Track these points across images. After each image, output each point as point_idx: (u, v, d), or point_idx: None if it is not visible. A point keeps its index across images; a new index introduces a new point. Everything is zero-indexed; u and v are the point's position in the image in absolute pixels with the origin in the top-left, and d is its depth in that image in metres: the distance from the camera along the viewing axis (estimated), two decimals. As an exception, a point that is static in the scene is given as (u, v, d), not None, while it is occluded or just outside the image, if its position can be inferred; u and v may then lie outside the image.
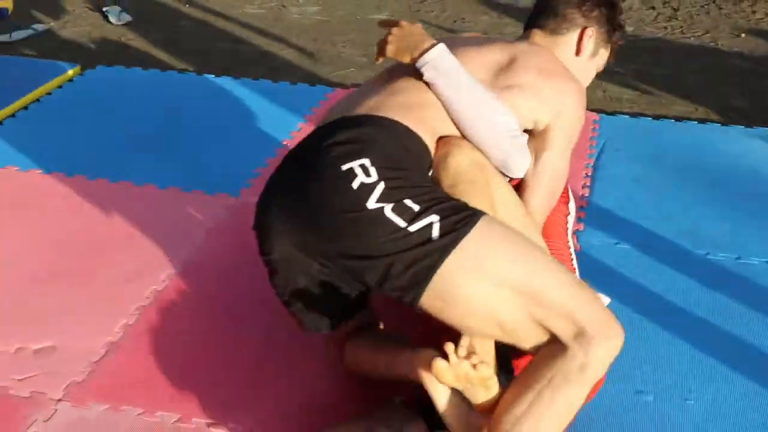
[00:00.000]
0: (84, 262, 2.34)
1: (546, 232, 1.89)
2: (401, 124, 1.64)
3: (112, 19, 4.10)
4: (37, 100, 3.24)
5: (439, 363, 1.42)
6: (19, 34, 3.92)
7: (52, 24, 4.09)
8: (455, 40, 1.97)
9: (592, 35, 1.96)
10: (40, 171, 2.76)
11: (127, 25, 4.08)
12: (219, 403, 1.87)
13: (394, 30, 1.78)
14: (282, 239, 1.64)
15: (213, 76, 3.48)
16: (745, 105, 3.28)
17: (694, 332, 2.07)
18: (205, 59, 3.73)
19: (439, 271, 1.46)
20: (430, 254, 1.46)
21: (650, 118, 3.17)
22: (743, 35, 3.94)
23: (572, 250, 2.00)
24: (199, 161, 2.85)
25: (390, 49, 1.77)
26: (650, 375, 1.94)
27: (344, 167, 1.52)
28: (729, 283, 2.24)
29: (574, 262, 1.98)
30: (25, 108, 3.18)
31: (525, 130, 1.82)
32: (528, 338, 1.50)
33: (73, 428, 1.81)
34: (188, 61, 3.68)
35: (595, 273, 2.08)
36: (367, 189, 1.49)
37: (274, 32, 4.04)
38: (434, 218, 1.48)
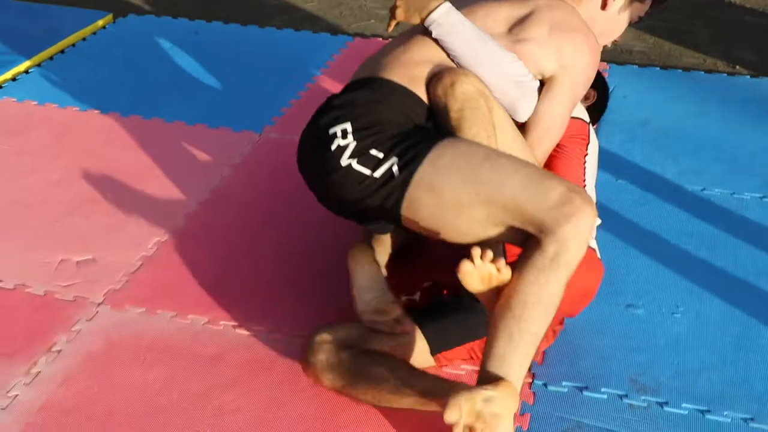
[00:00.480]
0: (120, 189, 2.52)
1: (561, 170, 2.00)
2: (395, 83, 1.81)
3: (142, -29, 4.25)
4: (73, 45, 3.41)
5: (465, 265, 1.57)
6: (54, -15, 4.08)
7: (85, -25, 4.25)
8: None
9: None
10: (78, 108, 2.94)
11: (157, -23, 4.23)
12: (243, 309, 2.05)
13: None
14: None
15: (239, 25, 3.64)
16: (753, 58, 3.39)
17: (685, 257, 2.23)
18: (232, 10, 3.88)
19: (404, 203, 1.68)
20: (394, 190, 1.68)
21: (658, 68, 3.29)
22: (756, -8, 4.03)
23: (588, 184, 2.06)
24: (225, 101, 3.01)
25: (399, 13, 1.92)
26: (641, 291, 2.10)
27: (330, 131, 1.75)
28: (722, 215, 2.39)
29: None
30: (62, 52, 3.35)
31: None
32: (507, 238, 1.64)
33: (113, 327, 2.00)
34: (215, 13, 3.83)
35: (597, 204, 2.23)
36: (341, 150, 1.72)
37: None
38: (394, 160, 1.68)
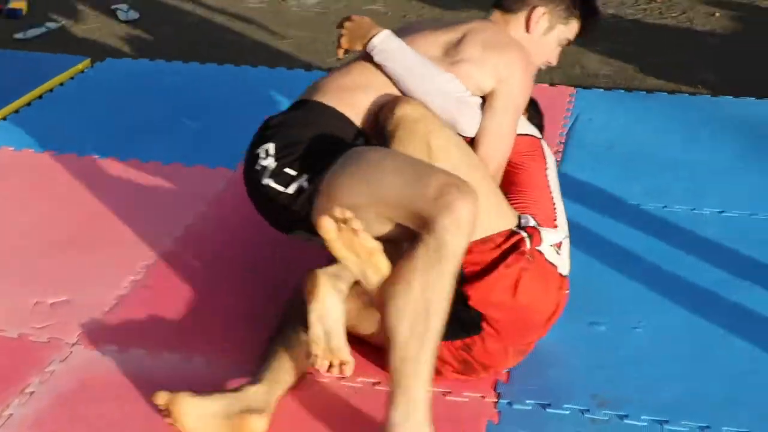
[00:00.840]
0: (95, 230, 2.56)
1: (526, 186, 2.05)
2: (328, 106, 1.93)
3: (120, 16, 4.35)
4: (51, 90, 3.48)
5: (325, 221, 1.62)
6: (33, 32, 4.17)
7: (64, 22, 4.34)
8: (414, 25, 2.23)
9: (544, 13, 2.12)
10: (54, 152, 3.00)
11: (134, 22, 4.32)
12: (217, 344, 2.09)
13: (346, 24, 2.06)
14: None
15: (216, 64, 3.71)
16: (713, 79, 3.48)
17: (648, 272, 2.29)
18: (208, 51, 3.96)
19: (313, 213, 1.78)
20: (306, 202, 1.81)
21: (623, 90, 3.37)
22: (717, 14, 4.13)
23: (555, 197, 2.08)
24: (201, 139, 3.07)
25: (344, 41, 2.05)
26: (605, 308, 2.15)
27: (256, 151, 1.91)
28: (683, 230, 2.45)
29: (558, 210, 2.05)
30: (40, 97, 3.42)
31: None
32: (405, 237, 1.68)
33: (86, 366, 2.03)
34: (192, 54, 3.91)
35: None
36: (263, 169, 1.87)
37: (274, 24, 4.26)
38: (305, 177, 1.82)
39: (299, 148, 1.85)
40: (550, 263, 1.89)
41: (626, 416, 1.81)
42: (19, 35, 4.15)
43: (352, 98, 1.94)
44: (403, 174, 1.69)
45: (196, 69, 3.68)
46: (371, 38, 1.98)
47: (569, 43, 2.23)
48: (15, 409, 1.90)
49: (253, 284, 2.30)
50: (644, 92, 3.36)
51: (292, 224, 1.88)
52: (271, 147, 1.86)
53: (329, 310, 1.76)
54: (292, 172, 1.83)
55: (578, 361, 1.98)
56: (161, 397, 1.76)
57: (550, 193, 2.09)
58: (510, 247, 1.82)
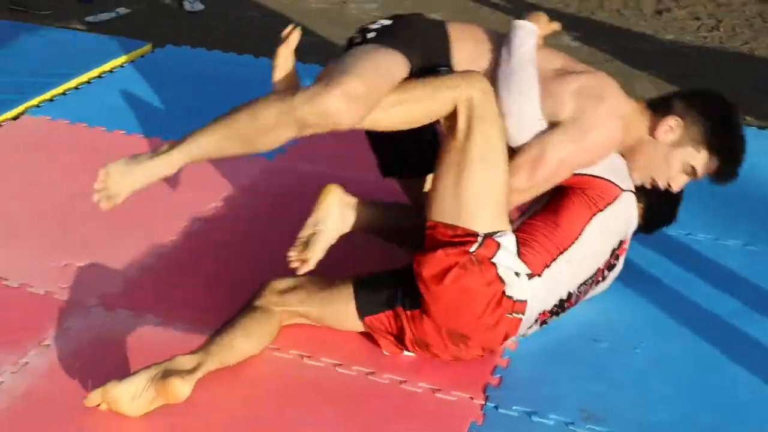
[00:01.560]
0: (132, 203, 2.64)
1: (565, 213, 2.00)
2: (447, 33, 2.10)
3: (186, 6, 4.50)
4: (111, 71, 3.64)
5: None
6: (103, 16, 4.36)
7: (132, 9, 4.52)
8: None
9: (676, 126, 1.99)
10: (104, 128, 3.14)
11: (199, 13, 4.47)
12: (224, 316, 2.16)
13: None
14: None
15: (268, 58, 3.81)
16: (766, 110, 3.41)
17: (661, 296, 2.28)
18: (266, 46, 4.06)
19: None
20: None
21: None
22: (780, 47, 4.06)
23: (582, 244, 1.97)
24: (243, 128, 3.16)
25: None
26: (611, 327, 2.15)
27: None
28: (705, 259, 2.44)
29: (567, 255, 1.95)
30: (100, 76, 3.58)
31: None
32: None
33: (103, 327, 2.14)
34: (250, 47, 4.03)
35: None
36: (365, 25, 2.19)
37: (333, 25, 4.35)
38: (367, 36, 2.09)
39: (395, 30, 2.07)
40: (500, 278, 1.87)
41: (609, 433, 1.82)
42: (90, 18, 4.34)
43: (467, 40, 2.08)
44: (359, 58, 1.94)
45: (250, 62, 3.80)
46: (522, 19, 2.04)
47: (695, 173, 2.03)
48: (31, 359, 2.02)
49: (269, 264, 2.36)
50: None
51: None
52: (387, 21, 2.14)
53: (326, 219, 2.09)
54: (373, 30, 2.09)
55: (573, 374, 1.99)
56: (93, 400, 1.83)
57: (578, 234, 1.98)
58: (459, 242, 1.86)
